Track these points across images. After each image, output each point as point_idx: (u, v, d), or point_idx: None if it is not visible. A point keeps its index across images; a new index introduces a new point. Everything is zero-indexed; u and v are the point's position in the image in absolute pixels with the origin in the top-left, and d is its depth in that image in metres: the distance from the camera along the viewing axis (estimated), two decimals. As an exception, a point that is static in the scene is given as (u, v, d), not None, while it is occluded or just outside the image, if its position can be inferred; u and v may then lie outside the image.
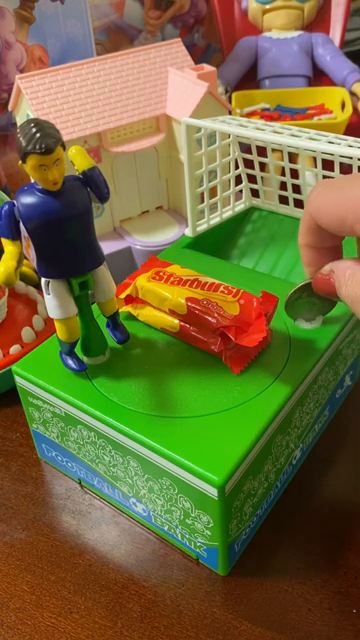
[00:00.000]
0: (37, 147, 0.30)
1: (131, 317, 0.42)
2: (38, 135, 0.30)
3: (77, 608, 0.36)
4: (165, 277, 0.41)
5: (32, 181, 0.33)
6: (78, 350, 0.39)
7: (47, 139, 0.30)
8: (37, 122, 0.30)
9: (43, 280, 0.35)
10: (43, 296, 0.36)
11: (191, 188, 0.48)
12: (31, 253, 0.34)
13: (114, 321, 0.40)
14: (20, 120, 0.59)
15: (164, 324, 0.40)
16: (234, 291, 0.39)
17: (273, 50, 0.73)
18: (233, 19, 0.76)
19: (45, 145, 0.30)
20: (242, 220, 0.54)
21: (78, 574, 0.37)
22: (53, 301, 0.35)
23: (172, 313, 0.39)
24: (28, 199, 0.33)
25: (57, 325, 0.37)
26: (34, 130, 0.30)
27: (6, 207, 0.33)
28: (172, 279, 0.40)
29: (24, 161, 0.31)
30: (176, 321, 0.39)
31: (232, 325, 0.36)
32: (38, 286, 0.60)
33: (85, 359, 0.39)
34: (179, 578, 0.37)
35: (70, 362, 0.38)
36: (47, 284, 0.35)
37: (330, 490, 0.41)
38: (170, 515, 0.36)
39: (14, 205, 0.33)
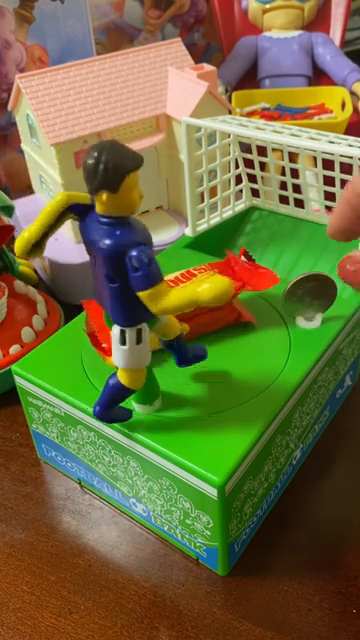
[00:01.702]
0: (138, 160, 0.27)
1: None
2: (126, 149, 0.27)
3: (77, 608, 0.36)
4: None
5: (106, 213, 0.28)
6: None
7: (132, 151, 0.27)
8: (102, 144, 0.27)
9: (130, 330, 0.31)
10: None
11: (191, 188, 0.48)
12: (122, 299, 0.30)
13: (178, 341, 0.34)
14: (20, 120, 0.59)
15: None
16: (204, 269, 0.40)
17: (273, 50, 0.73)
18: (233, 19, 0.76)
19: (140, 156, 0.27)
20: (242, 220, 0.54)
21: (78, 574, 0.37)
22: (144, 349, 0.31)
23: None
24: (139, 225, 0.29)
25: (133, 375, 0.32)
26: (116, 146, 0.27)
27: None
28: None
29: (117, 187, 0.27)
30: (185, 325, 0.39)
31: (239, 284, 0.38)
32: (38, 286, 0.60)
33: (140, 408, 0.36)
34: (179, 578, 0.37)
35: (121, 414, 0.34)
36: (138, 332, 0.31)
37: (330, 490, 0.41)
38: (170, 515, 0.36)
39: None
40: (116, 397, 0.33)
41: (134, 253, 0.28)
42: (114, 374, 0.33)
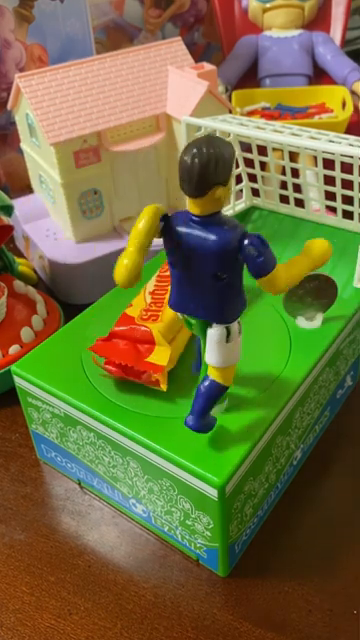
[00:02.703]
0: (232, 147, 0.27)
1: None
2: (220, 140, 0.27)
3: (77, 609, 0.36)
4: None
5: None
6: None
7: None
8: (200, 141, 0.27)
9: (233, 325, 0.31)
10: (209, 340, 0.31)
11: (191, 187, 0.48)
12: (229, 294, 0.30)
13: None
14: (19, 119, 0.59)
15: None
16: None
17: (273, 49, 0.73)
18: (233, 18, 0.76)
19: None
20: (242, 219, 0.54)
21: (78, 575, 0.37)
22: (241, 341, 0.31)
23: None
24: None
25: (232, 370, 0.32)
26: (213, 139, 0.27)
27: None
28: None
29: (228, 179, 0.27)
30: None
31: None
32: (38, 286, 0.60)
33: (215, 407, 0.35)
34: (179, 579, 0.37)
35: (212, 421, 0.33)
36: (239, 325, 0.31)
37: (331, 491, 0.41)
38: (170, 516, 0.36)
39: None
40: (215, 400, 0.32)
41: (251, 241, 0.28)
42: (205, 379, 0.32)
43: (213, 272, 0.29)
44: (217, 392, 0.32)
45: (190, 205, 0.28)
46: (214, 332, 0.31)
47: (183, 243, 0.29)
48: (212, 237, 0.28)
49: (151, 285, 0.41)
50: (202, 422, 0.33)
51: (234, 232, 0.28)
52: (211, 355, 0.31)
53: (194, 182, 0.27)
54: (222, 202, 0.28)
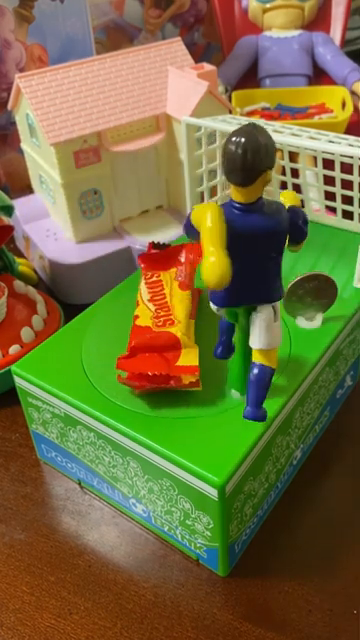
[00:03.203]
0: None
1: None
2: (259, 126, 0.28)
3: (77, 609, 0.36)
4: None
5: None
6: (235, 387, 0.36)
7: None
8: (245, 129, 0.27)
9: (279, 303, 0.32)
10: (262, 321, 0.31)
11: (191, 187, 0.48)
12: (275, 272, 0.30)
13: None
14: (20, 119, 0.59)
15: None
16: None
17: (273, 49, 0.73)
18: (233, 18, 0.76)
19: None
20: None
21: (78, 575, 0.37)
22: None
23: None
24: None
25: (276, 353, 0.32)
26: (255, 125, 0.27)
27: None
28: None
29: (274, 164, 0.28)
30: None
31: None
32: (38, 286, 0.60)
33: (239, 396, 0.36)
34: (179, 579, 0.37)
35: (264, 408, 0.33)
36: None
37: (331, 491, 0.41)
38: (170, 516, 0.36)
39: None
40: (268, 385, 0.33)
41: (299, 211, 0.30)
42: (255, 366, 0.32)
43: (270, 254, 0.30)
44: (269, 377, 0.32)
45: (238, 195, 0.29)
46: (264, 313, 0.31)
47: (239, 234, 0.29)
48: (270, 219, 0.29)
49: (145, 294, 0.41)
50: (261, 411, 0.33)
51: (283, 209, 0.30)
52: (261, 338, 0.32)
53: (247, 171, 0.27)
54: (265, 186, 0.29)
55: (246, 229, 0.29)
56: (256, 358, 0.32)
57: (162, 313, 0.39)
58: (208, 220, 0.28)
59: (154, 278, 0.42)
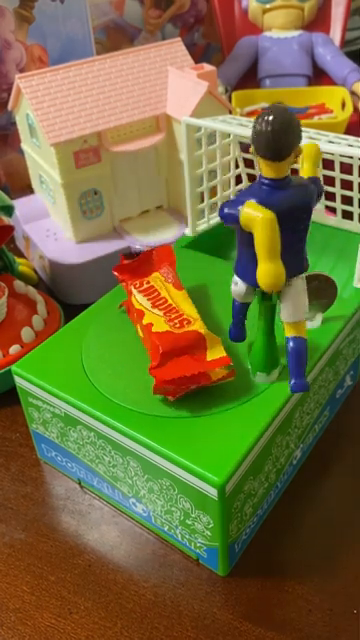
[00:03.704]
0: None
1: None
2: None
3: (77, 609, 0.36)
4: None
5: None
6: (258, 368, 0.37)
7: None
8: (274, 108, 0.29)
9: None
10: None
11: (191, 188, 0.48)
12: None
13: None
14: (20, 119, 0.59)
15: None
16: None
17: (273, 49, 0.73)
18: (233, 18, 0.76)
19: None
20: (242, 220, 0.54)
21: (78, 574, 0.37)
22: None
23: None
24: None
25: (304, 324, 0.34)
26: (279, 104, 0.29)
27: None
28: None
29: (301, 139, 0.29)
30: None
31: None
32: (38, 286, 0.60)
33: (263, 378, 0.37)
34: (179, 578, 0.37)
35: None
36: None
37: (330, 490, 0.41)
38: (170, 515, 0.36)
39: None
40: (306, 355, 0.34)
41: (318, 181, 0.32)
42: (291, 339, 0.33)
43: (301, 226, 0.31)
44: (305, 346, 0.33)
45: (270, 171, 0.30)
46: (296, 286, 0.32)
47: (282, 211, 0.30)
48: (300, 193, 0.30)
49: (145, 302, 0.40)
50: (306, 381, 0.34)
51: (307, 182, 0.31)
52: (295, 310, 0.33)
53: (282, 146, 0.29)
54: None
55: (280, 205, 0.30)
56: (290, 332, 0.33)
57: (173, 315, 0.39)
58: (266, 228, 0.29)
59: (145, 285, 0.42)
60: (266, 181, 0.30)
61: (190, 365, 0.36)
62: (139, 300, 0.41)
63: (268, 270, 0.30)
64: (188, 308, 0.39)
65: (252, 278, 0.31)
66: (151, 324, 0.39)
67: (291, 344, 0.33)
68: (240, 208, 0.30)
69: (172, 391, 0.35)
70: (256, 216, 0.29)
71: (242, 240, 0.32)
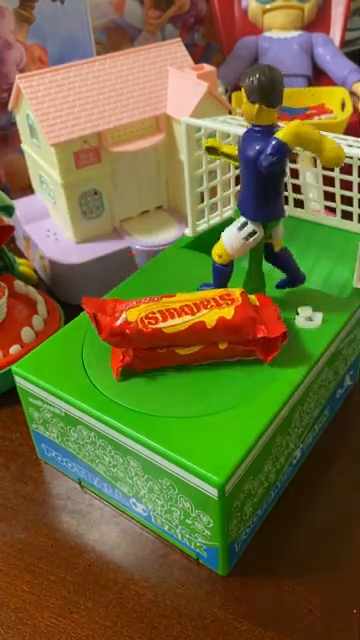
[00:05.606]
0: None
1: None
2: None
3: (77, 608, 0.36)
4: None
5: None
6: None
7: None
8: (260, 65, 0.34)
9: None
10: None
11: (191, 188, 0.48)
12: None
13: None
14: (20, 120, 0.59)
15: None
16: (221, 300, 0.38)
17: (273, 50, 0.73)
18: (233, 19, 0.76)
19: None
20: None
21: (78, 574, 0.37)
22: None
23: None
24: None
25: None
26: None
27: None
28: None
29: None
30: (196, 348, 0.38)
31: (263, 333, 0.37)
32: (38, 286, 0.60)
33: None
34: (179, 578, 0.37)
35: None
36: None
37: (330, 490, 0.41)
38: (170, 515, 0.36)
39: None
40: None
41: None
42: (284, 250, 0.41)
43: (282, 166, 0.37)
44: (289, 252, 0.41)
45: (268, 118, 0.35)
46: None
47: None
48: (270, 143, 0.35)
49: (151, 305, 0.38)
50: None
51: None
52: (281, 232, 0.40)
53: (280, 89, 0.35)
54: None
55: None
56: (279, 247, 0.40)
57: (191, 305, 0.37)
58: (315, 132, 0.35)
59: (134, 304, 0.38)
60: (257, 128, 0.36)
61: (276, 321, 0.38)
62: (143, 307, 0.38)
63: (332, 148, 0.35)
64: (201, 294, 0.38)
65: (272, 212, 0.38)
66: (207, 320, 0.37)
67: (283, 256, 0.41)
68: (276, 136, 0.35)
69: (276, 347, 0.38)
70: (288, 128, 0.34)
71: (265, 182, 0.36)
